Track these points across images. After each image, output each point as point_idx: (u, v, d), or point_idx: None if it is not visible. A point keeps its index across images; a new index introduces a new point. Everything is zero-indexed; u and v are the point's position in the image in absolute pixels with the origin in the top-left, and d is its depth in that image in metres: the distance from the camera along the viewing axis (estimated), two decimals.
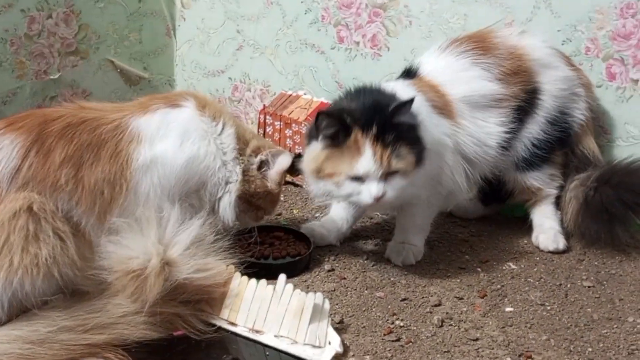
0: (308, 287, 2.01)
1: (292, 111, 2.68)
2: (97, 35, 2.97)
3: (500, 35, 2.34)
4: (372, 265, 2.16)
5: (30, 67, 2.78)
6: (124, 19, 3.06)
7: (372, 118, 1.93)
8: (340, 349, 1.72)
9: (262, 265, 2.05)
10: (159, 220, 1.73)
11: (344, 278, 2.08)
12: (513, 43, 2.32)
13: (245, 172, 2.03)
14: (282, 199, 2.60)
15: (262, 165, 2.06)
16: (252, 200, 2.06)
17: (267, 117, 2.72)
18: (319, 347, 1.71)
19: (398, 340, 1.80)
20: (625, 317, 1.96)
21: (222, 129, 2.00)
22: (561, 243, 2.32)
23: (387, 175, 1.93)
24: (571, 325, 1.91)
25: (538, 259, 2.27)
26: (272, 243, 2.20)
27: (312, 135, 2.03)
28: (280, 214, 2.49)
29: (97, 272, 1.68)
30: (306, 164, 2.04)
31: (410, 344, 1.79)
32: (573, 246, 2.34)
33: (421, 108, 2.07)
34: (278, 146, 2.38)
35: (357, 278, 2.08)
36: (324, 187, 2.00)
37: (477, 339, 1.82)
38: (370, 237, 2.36)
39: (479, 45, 2.28)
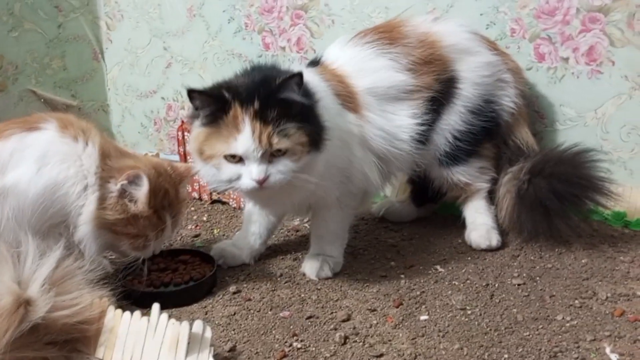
0: (207, 314, 1.85)
1: None
2: (14, 66, 2.86)
3: (410, 24, 2.17)
4: (285, 283, 2.00)
5: None
6: (43, 47, 2.94)
7: (254, 93, 1.76)
8: None
9: (154, 295, 1.88)
10: (15, 257, 1.58)
11: (250, 299, 1.91)
12: (424, 30, 2.15)
13: (100, 199, 1.81)
14: (205, 218, 2.46)
15: (124, 191, 1.81)
16: (118, 229, 1.83)
17: (186, 133, 2.57)
18: None
19: None
20: (553, 316, 1.79)
21: (84, 148, 1.82)
22: (494, 239, 2.15)
23: (271, 156, 1.76)
24: (490, 329, 1.74)
25: (469, 258, 2.11)
26: (175, 268, 2.02)
27: (195, 115, 1.86)
28: (198, 235, 2.33)
29: None
30: (190, 145, 1.89)
31: None
32: (509, 242, 2.18)
33: (320, 87, 1.92)
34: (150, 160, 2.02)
35: (263, 298, 1.92)
36: (209, 170, 1.83)
37: (381, 355, 1.65)
38: (290, 251, 2.19)
39: (385, 35, 2.12)
